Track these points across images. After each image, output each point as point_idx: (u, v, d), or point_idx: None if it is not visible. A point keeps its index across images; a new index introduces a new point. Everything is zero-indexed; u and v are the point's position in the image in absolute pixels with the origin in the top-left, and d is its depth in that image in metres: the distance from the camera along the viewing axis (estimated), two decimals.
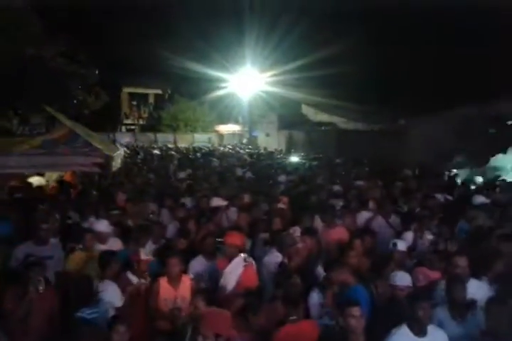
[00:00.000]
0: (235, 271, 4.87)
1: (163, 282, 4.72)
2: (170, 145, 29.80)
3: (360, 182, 10.34)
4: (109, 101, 22.60)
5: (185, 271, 4.97)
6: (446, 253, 5.07)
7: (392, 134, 18.04)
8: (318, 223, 6.73)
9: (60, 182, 10.97)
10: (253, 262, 5.14)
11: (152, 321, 4.56)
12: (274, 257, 5.42)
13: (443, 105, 14.43)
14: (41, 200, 8.17)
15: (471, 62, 13.10)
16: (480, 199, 7.61)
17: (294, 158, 20.36)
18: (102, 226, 5.94)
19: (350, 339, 3.47)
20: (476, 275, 4.64)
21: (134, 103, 44.54)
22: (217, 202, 7.78)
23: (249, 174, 13.05)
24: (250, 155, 21.77)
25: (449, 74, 14.13)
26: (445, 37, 14.14)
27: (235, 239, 5.14)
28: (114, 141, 24.83)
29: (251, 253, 5.70)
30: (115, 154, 12.13)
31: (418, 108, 15.50)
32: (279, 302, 4.08)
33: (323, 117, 33.94)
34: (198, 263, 5.36)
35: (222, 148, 28.48)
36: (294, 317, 3.92)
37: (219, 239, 5.47)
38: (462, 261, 4.52)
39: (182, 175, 12.57)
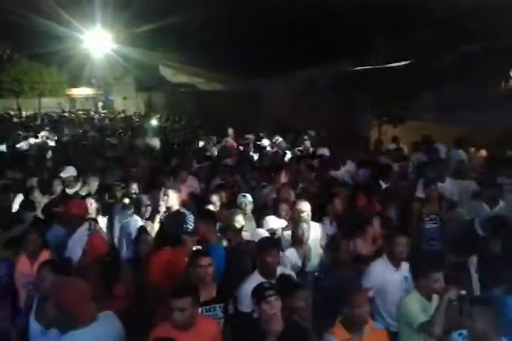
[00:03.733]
0: (79, 240, 4.85)
1: (22, 258, 4.49)
2: (12, 112, 26.78)
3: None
4: None
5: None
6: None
7: (246, 95, 18.76)
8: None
9: None
10: (100, 229, 5.22)
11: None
12: (134, 221, 5.51)
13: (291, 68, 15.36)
14: None
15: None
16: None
17: (154, 122, 19.98)
18: None
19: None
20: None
21: None
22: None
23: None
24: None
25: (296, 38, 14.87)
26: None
27: (76, 207, 5.17)
28: None
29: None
30: None
31: (270, 70, 16.23)
32: None
33: (183, 78, 33.44)
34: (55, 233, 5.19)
35: (73, 115, 26.50)
36: None
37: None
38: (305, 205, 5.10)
39: (24, 146, 11.59)
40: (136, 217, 5.63)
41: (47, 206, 6.12)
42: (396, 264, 4.02)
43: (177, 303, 3.04)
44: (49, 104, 33.40)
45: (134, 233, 5.13)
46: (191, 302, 3.09)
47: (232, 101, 19.86)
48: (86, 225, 5.01)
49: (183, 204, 5.99)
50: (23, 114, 27.36)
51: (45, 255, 4.51)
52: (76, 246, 4.82)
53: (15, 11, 25.74)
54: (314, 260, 4.69)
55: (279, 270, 4.00)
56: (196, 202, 6.18)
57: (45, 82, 34.90)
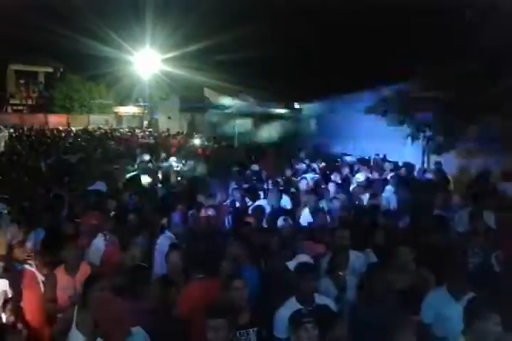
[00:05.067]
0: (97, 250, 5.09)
1: (60, 271, 4.48)
2: (61, 128, 27.97)
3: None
4: None
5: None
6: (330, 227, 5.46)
7: (288, 118, 18.87)
8: None
9: None
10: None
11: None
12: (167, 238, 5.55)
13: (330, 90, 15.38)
14: None
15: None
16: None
17: (197, 141, 20.35)
18: None
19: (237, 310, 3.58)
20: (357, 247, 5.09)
21: (22, 81, 40.88)
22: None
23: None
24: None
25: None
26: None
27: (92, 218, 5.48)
28: None
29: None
30: None
31: (308, 93, 16.32)
32: None
33: (225, 101, 34.08)
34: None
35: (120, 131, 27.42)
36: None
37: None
38: (345, 234, 4.90)
39: (73, 159, 11.97)
40: (170, 234, 5.64)
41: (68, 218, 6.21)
42: (458, 296, 3.78)
43: (212, 323, 3.01)
44: (97, 120, 34.73)
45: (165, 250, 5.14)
46: (226, 324, 3.05)
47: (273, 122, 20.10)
48: (101, 236, 5.23)
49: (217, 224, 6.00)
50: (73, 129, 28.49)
51: (84, 267, 4.58)
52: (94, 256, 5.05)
53: (68, 33, 27.29)
54: (353, 290, 4.51)
55: (317, 298, 3.87)
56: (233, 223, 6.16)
57: (94, 99, 36.45)
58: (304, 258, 4.74)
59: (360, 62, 14.38)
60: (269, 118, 22.37)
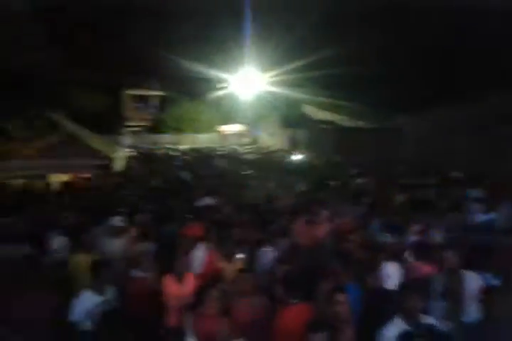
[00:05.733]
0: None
1: (170, 279, 4.80)
2: (171, 147, 30.03)
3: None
4: (111, 104, 22.72)
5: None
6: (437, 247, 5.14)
7: (389, 132, 18.30)
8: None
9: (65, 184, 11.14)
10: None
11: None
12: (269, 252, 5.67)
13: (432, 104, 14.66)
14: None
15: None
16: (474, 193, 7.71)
17: (298, 158, 20.51)
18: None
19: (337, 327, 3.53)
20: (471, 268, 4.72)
21: (137, 105, 44.64)
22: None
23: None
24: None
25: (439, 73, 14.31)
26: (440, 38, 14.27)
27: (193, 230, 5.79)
28: (117, 143, 24.94)
29: None
30: (117, 156, 12.33)
31: (411, 107, 15.73)
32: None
33: (325, 115, 34.02)
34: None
35: (224, 149, 28.62)
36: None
37: None
38: (454, 255, 4.58)
39: (185, 176, 12.74)
40: (271, 248, 5.73)
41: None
42: None
43: (313, 338, 3.01)
44: (202, 139, 36.68)
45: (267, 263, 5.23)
46: (327, 339, 3.03)
47: (373, 137, 19.57)
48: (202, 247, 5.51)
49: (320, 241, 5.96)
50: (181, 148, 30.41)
51: (190, 277, 4.83)
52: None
53: (176, 57, 29.38)
54: (471, 312, 4.20)
55: (424, 319, 3.67)
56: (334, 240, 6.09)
57: (200, 119, 38.55)
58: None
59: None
60: (371, 131, 21.90)
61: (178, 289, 4.69)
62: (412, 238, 5.91)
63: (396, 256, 5.06)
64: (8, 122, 10.51)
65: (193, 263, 5.34)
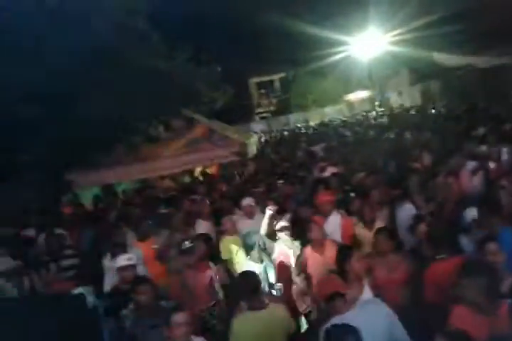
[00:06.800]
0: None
1: (308, 249, 4.98)
2: (299, 125, 30.36)
3: None
4: (237, 94, 23.73)
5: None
6: None
7: None
8: None
9: (204, 173, 12.13)
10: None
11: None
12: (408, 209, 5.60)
13: None
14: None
15: None
16: None
17: (430, 112, 19.20)
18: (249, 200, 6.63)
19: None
20: None
21: (263, 91, 45.95)
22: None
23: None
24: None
25: None
26: None
27: (326, 196, 5.87)
28: (248, 131, 26.11)
29: None
30: (250, 141, 12.96)
31: None
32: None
33: (459, 60, 30.91)
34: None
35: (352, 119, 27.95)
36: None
37: None
38: None
39: (316, 148, 12.90)
40: (411, 206, 5.61)
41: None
42: None
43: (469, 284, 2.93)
44: (330, 112, 36.23)
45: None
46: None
47: None
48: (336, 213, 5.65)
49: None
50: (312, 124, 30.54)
51: (329, 244, 4.98)
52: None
53: (292, 37, 29.30)
54: None
55: None
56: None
57: (324, 92, 38.02)
58: None
59: None
60: None
61: (317, 258, 4.85)
62: None
63: None
64: (150, 127, 11.68)
65: (329, 229, 5.44)
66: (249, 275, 4.10)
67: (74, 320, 3.42)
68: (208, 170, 12.71)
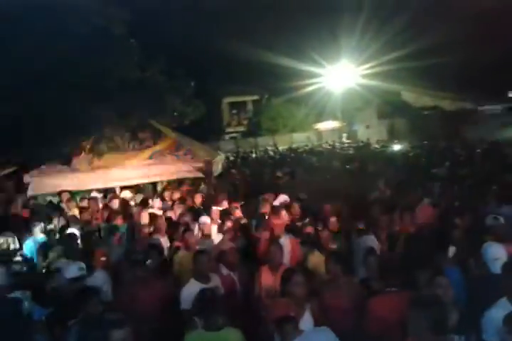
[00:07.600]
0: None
1: (265, 270, 4.86)
2: (269, 148, 30.53)
3: None
4: (209, 112, 23.73)
5: None
6: None
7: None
8: None
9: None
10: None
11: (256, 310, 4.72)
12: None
13: None
14: None
15: None
16: None
17: (396, 148, 19.78)
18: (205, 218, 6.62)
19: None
20: None
21: (234, 111, 46.24)
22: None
23: None
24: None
25: None
26: None
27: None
28: (216, 149, 25.97)
29: None
30: (216, 159, 12.88)
31: None
32: None
33: (426, 101, 32.23)
34: None
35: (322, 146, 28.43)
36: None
37: None
38: None
39: (279, 173, 12.96)
40: (372, 237, 5.64)
41: None
42: None
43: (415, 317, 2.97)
44: (299, 138, 36.69)
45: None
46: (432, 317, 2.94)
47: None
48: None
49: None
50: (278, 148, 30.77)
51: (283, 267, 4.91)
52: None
53: (270, 54, 29.81)
54: None
55: None
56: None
57: (295, 118, 38.60)
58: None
59: None
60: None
61: (273, 280, 4.78)
62: None
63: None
64: (114, 133, 11.48)
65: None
66: (207, 293, 3.97)
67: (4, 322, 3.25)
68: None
